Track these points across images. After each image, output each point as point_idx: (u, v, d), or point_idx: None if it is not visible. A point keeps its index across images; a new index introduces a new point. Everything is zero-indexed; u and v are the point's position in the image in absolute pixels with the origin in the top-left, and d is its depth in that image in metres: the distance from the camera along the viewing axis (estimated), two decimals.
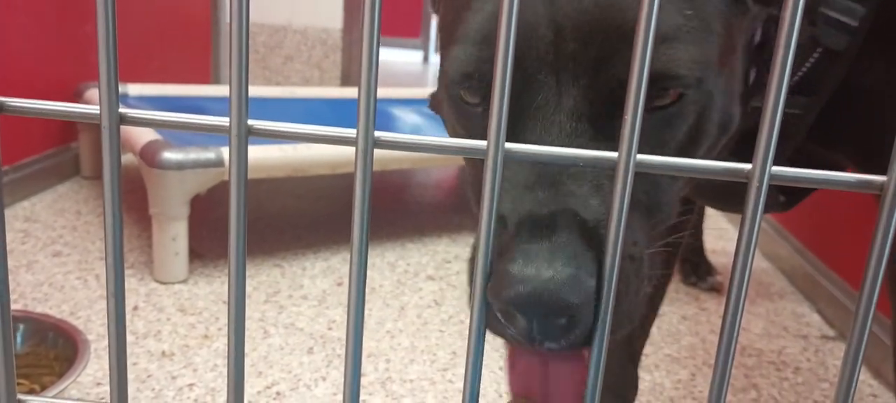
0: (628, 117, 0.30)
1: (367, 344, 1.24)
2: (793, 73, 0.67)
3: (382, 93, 2.38)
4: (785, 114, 0.66)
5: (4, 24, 1.65)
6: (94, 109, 0.33)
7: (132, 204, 1.74)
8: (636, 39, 0.29)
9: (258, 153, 1.43)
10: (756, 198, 0.31)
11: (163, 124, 0.33)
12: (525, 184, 0.48)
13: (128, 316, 1.25)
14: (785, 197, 0.81)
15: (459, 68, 0.53)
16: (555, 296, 0.41)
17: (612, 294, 0.33)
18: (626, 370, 0.99)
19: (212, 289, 1.38)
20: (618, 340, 0.97)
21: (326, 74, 3.02)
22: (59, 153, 1.91)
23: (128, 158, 1.79)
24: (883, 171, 0.30)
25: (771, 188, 0.31)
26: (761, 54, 0.63)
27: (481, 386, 1.18)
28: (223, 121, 0.32)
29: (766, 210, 0.88)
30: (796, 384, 1.23)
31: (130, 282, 1.37)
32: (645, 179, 0.52)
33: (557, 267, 0.42)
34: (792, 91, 0.68)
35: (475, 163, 0.60)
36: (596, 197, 0.47)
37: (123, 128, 0.33)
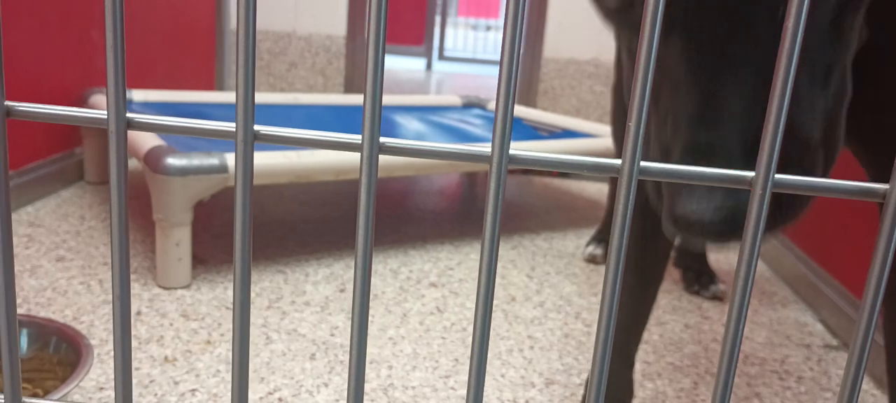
0: (632, 124, 0.30)
1: (370, 351, 1.23)
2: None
3: (386, 100, 2.39)
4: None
5: (11, 30, 1.66)
6: (100, 114, 0.33)
7: (136, 209, 1.74)
8: (639, 43, 0.30)
9: (262, 159, 1.43)
10: (759, 206, 0.31)
11: (169, 129, 0.33)
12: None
13: (131, 321, 1.25)
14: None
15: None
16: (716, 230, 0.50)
17: (615, 300, 0.33)
18: (621, 375, 0.99)
19: (214, 295, 1.38)
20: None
21: (330, 81, 3.03)
22: (64, 158, 1.91)
23: (132, 164, 1.79)
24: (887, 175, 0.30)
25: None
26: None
27: (484, 393, 1.17)
28: (229, 126, 0.32)
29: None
30: (799, 393, 1.22)
31: (134, 287, 1.37)
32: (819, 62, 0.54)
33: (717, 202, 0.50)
34: None
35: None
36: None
37: (128, 133, 0.33)
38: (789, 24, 0.29)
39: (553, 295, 1.53)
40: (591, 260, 1.74)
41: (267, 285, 1.45)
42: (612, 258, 0.33)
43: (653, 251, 0.93)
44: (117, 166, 0.33)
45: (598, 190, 2.43)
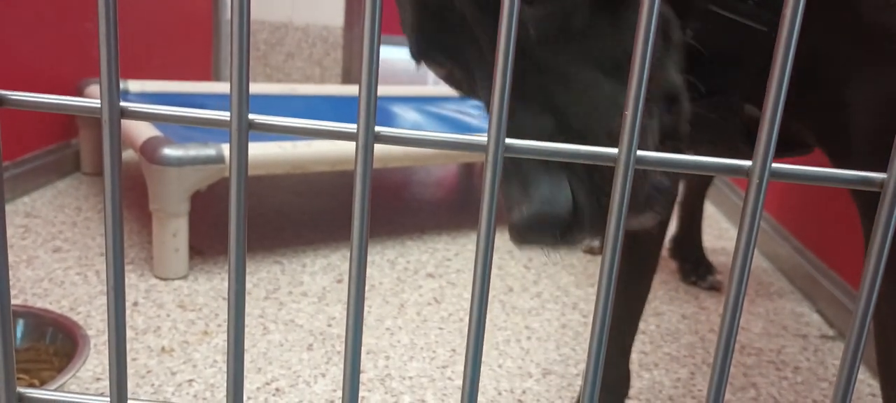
0: (628, 113, 0.30)
1: (367, 341, 1.24)
2: None
3: (382, 90, 2.38)
4: (750, 33, 0.63)
5: (5, 20, 1.65)
6: (94, 103, 0.33)
7: (132, 200, 1.74)
8: (637, 37, 0.29)
9: (258, 149, 1.43)
10: (756, 196, 0.31)
11: (163, 118, 0.33)
12: None
13: (127, 312, 1.25)
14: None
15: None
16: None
17: (611, 291, 0.33)
18: (618, 365, 0.99)
19: (211, 286, 1.38)
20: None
21: (327, 72, 3.02)
22: (60, 149, 1.91)
23: (128, 154, 1.79)
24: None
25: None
26: None
27: (480, 383, 1.18)
28: (224, 115, 0.32)
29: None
30: (795, 383, 1.23)
31: (130, 278, 1.37)
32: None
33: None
34: (760, 4, 0.63)
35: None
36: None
37: (124, 123, 0.33)
38: (787, 12, 0.28)
39: (550, 286, 1.53)
40: (588, 250, 1.74)
41: (264, 275, 1.45)
42: (608, 248, 0.33)
43: (643, 239, 0.93)
44: (111, 156, 0.32)
45: None
